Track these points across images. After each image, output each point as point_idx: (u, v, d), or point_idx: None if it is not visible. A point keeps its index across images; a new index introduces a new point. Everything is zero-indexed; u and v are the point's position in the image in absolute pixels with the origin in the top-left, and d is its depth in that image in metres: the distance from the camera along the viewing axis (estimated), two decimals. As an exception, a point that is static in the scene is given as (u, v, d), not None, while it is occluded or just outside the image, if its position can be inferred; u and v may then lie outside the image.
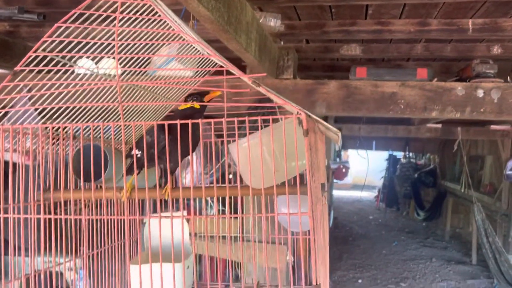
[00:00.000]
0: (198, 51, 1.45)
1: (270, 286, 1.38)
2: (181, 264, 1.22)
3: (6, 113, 1.07)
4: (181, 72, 1.84)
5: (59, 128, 1.11)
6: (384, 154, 11.07)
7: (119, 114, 1.41)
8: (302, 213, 0.88)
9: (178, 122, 0.93)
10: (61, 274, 1.36)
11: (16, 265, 1.12)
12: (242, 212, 2.47)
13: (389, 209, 10.65)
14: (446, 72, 2.91)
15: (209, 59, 1.65)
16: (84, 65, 1.75)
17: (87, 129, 1.33)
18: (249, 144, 0.94)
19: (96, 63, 1.96)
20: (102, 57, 1.54)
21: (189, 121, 0.97)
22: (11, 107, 1.08)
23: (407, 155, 10.32)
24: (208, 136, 1.60)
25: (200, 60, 1.70)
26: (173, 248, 1.01)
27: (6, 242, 1.06)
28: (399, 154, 10.72)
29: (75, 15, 0.89)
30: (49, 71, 0.98)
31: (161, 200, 1.14)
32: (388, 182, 10.84)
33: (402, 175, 9.97)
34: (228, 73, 1.34)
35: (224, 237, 2.00)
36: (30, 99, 1.32)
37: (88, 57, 1.14)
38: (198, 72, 1.70)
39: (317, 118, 0.97)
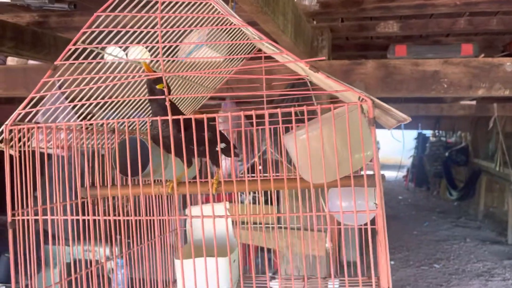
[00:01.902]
0: (237, 36, 1.37)
1: (318, 278, 1.33)
2: (227, 259, 1.19)
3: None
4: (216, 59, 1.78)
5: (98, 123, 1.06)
6: (413, 133, 10.78)
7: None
8: (370, 210, 0.81)
9: (229, 114, 0.87)
10: (97, 261, 1.36)
11: (56, 254, 1.11)
12: (277, 202, 2.42)
13: (418, 188, 10.43)
14: (489, 46, 2.74)
15: (243, 44, 1.58)
16: (112, 53, 1.70)
17: (123, 123, 1.28)
18: (308, 136, 0.87)
19: (123, 51, 1.91)
20: (127, 46, 1.49)
21: (246, 113, 0.91)
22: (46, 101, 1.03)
23: (437, 133, 10.02)
24: (241, 124, 1.54)
25: (233, 46, 1.62)
26: (222, 242, 0.97)
27: (46, 232, 1.05)
28: (428, 133, 10.41)
29: (115, 3, 0.83)
30: (87, 64, 0.93)
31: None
32: (418, 161, 10.58)
33: (432, 154, 9.69)
34: (266, 58, 1.27)
35: (260, 224, 1.96)
36: (64, 93, 1.28)
37: (127, 47, 1.09)
38: (233, 59, 1.63)
39: (382, 103, 0.89)
